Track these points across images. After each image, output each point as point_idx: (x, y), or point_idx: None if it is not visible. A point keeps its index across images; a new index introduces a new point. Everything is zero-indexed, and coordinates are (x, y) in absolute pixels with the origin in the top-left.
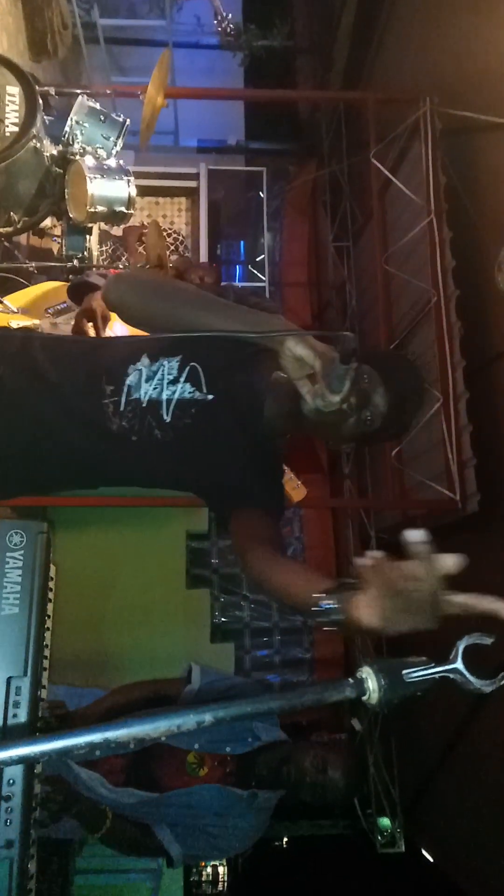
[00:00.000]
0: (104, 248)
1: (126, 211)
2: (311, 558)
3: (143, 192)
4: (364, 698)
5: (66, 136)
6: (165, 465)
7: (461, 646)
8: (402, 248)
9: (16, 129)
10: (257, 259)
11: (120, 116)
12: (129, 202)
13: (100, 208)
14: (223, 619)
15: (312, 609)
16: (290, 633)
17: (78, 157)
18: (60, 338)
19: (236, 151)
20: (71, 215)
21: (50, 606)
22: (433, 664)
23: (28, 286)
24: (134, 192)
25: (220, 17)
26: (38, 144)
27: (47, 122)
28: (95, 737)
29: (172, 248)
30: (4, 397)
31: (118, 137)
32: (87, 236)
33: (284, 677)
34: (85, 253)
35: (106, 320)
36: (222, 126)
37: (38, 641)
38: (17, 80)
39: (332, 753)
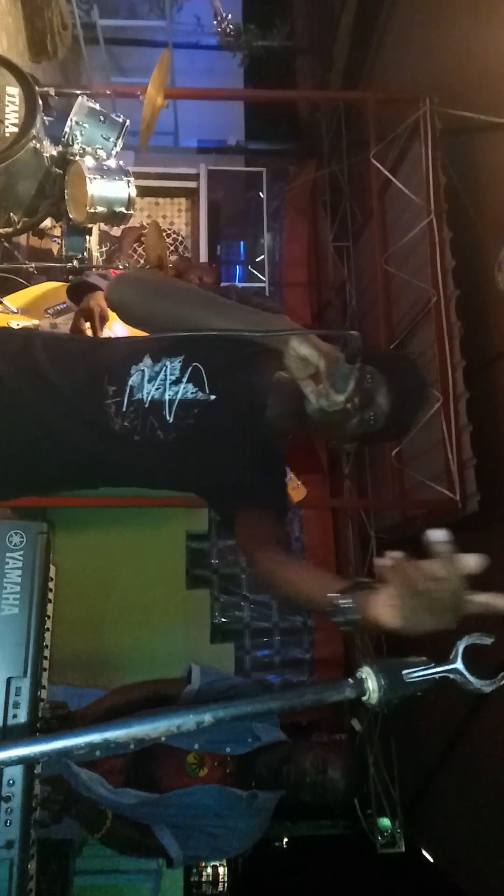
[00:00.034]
0: (104, 249)
1: (126, 211)
2: (311, 558)
3: (143, 192)
4: (364, 698)
5: (66, 136)
6: (167, 466)
7: (461, 646)
8: (402, 248)
9: (15, 129)
10: (257, 259)
11: (120, 117)
12: (129, 203)
13: (99, 209)
14: (223, 620)
15: (328, 609)
16: (290, 634)
17: (78, 157)
18: (62, 337)
19: (236, 152)
20: (71, 216)
21: (50, 607)
22: (433, 664)
23: (28, 286)
24: (134, 192)
25: (219, 18)
26: (38, 145)
27: (47, 122)
28: (95, 737)
29: (172, 248)
30: (5, 397)
31: (118, 138)
32: (87, 237)
33: (284, 678)
34: (84, 254)
35: (104, 320)
36: (222, 126)
37: (37, 642)
38: (16, 80)
39: (332, 754)
